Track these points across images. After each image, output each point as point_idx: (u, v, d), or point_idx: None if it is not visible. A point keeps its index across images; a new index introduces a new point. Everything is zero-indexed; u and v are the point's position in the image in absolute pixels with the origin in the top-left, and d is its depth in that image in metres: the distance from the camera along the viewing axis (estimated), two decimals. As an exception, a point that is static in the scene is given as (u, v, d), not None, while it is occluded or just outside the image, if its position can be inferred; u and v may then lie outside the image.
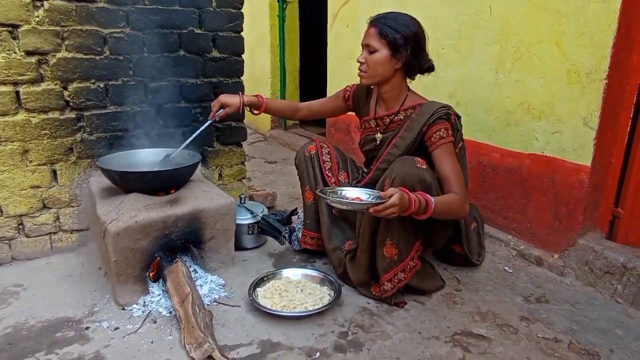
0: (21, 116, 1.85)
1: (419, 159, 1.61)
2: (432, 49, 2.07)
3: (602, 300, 1.74)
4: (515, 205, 2.18)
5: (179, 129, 2.17)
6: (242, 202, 2.21)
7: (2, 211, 1.90)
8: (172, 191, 1.83)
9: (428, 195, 1.50)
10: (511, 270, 1.97)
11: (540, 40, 1.98)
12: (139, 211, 1.68)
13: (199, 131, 1.87)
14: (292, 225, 2.20)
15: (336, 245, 1.90)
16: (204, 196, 1.85)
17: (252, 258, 2.07)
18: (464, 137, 1.86)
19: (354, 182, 1.95)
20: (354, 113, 2.05)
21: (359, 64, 1.74)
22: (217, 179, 2.36)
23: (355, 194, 1.62)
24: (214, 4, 2.16)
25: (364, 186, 1.83)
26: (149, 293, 1.70)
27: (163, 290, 1.70)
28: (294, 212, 2.35)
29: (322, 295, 1.69)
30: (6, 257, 1.95)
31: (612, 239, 1.91)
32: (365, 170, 1.99)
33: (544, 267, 1.98)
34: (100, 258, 1.94)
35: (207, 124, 1.89)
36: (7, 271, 1.90)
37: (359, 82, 1.89)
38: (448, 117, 1.71)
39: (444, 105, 1.72)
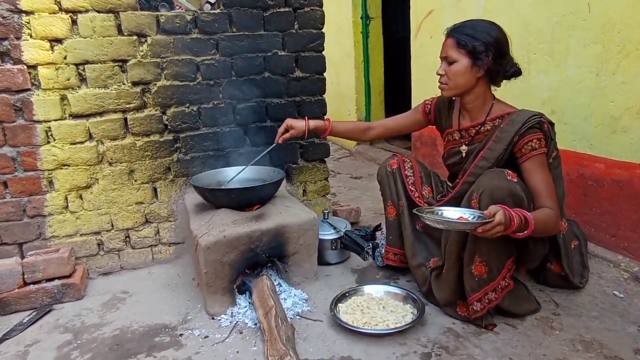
0: (128, 140, 2.07)
1: (509, 171, 1.51)
2: (522, 55, 1.96)
3: None
4: (626, 222, 1.94)
5: (265, 146, 2.26)
6: (326, 217, 2.24)
7: (112, 225, 2.12)
8: (257, 207, 1.91)
9: (526, 211, 1.40)
10: (622, 295, 1.75)
11: (649, 36, 1.78)
12: (227, 226, 1.78)
13: (262, 154, 1.96)
14: (376, 241, 2.17)
15: (420, 261, 1.84)
16: (287, 212, 1.91)
17: (335, 273, 2.08)
18: (561, 147, 1.71)
19: (438, 197, 1.88)
20: (434, 127, 1.98)
21: (439, 76, 1.69)
22: (302, 194, 2.42)
23: (457, 214, 1.54)
24: (296, 26, 2.24)
25: (449, 201, 1.75)
26: (236, 304, 1.77)
27: (249, 303, 1.76)
28: (377, 227, 2.32)
29: (404, 314, 1.64)
30: (116, 267, 2.17)
31: None
32: (450, 184, 1.91)
33: (664, 292, 1.74)
34: (194, 269, 2.07)
35: (271, 147, 1.96)
36: (116, 279, 2.11)
37: (438, 95, 1.84)
38: (541, 125, 1.59)
39: (535, 113, 1.60)
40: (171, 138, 2.14)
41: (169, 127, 2.12)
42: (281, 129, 1.96)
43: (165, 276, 2.12)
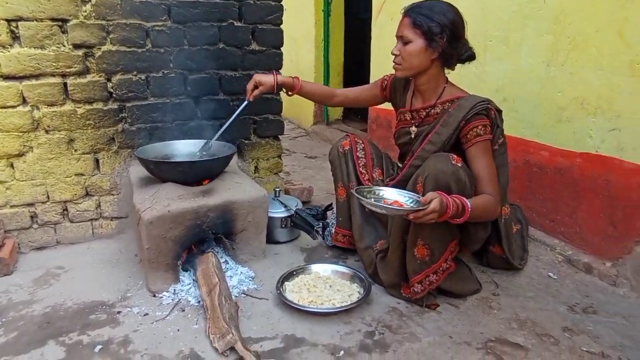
0: (68, 107, 1.93)
1: (454, 155, 1.53)
2: (479, 42, 1.98)
3: (660, 314, 1.58)
4: (565, 208, 2.03)
5: (217, 120, 2.19)
6: (277, 195, 2.20)
7: (48, 197, 1.99)
8: (206, 182, 1.84)
9: (464, 198, 1.43)
10: (556, 277, 1.84)
11: (599, 29, 1.83)
12: (172, 200, 1.71)
13: (236, 113, 1.86)
14: (327, 220, 2.16)
15: (367, 244, 1.85)
16: (237, 188, 1.86)
17: (284, 252, 2.06)
18: (510, 134, 1.75)
19: (387, 180, 1.89)
20: (390, 104, 1.98)
21: (394, 56, 1.67)
22: (253, 171, 2.36)
23: (394, 196, 1.55)
24: (253, -3, 2.16)
25: (397, 183, 1.76)
26: (179, 282, 1.72)
27: (193, 280, 1.72)
28: (329, 207, 2.31)
29: (350, 293, 1.64)
30: (51, 241, 2.05)
31: (674, 248, 1.73)
32: (400, 165, 1.92)
33: (594, 276, 1.83)
34: (137, 245, 1.99)
35: (243, 105, 1.88)
36: (51, 254, 1.99)
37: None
38: (487, 112, 1.61)
39: (483, 99, 1.62)
40: (116, 107, 2.02)
41: (114, 95, 2.00)
42: (250, 86, 1.88)
43: (106, 251, 2.02)
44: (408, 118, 1.81)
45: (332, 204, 2.30)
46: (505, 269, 1.86)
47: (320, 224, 2.04)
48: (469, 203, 1.42)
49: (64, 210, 2.04)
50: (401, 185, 1.69)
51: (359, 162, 1.92)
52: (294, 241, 2.17)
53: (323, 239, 2.07)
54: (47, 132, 1.92)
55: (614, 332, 1.48)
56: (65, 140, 1.96)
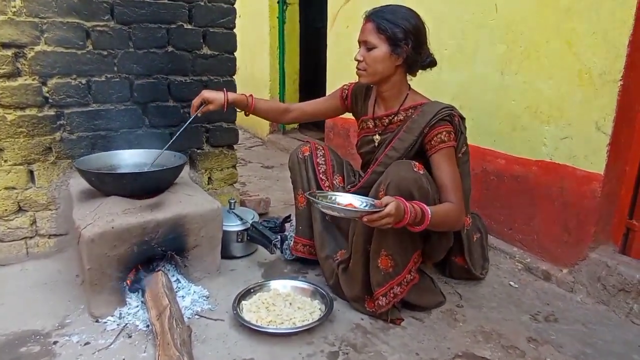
0: (-4, 113, 1.74)
1: (417, 163, 1.49)
2: (435, 49, 1.96)
3: (617, 320, 1.60)
4: (522, 216, 2.05)
5: (166, 129, 2.06)
6: (232, 207, 2.09)
7: (-27, 213, 1.79)
8: (154, 195, 1.71)
9: (425, 205, 1.38)
10: (517, 286, 1.84)
11: (549, 39, 1.86)
12: (116, 216, 1.56)
13: (181, 130, 1.74)
14: (284, 233, 2.08)
15: (328, 253, 1.77)
16: (188, 201, 1.73)
17: (241, 268, 1.95)
18: (468, 142, 1.73)
19: (348, 187, 1.83)
20: (351, 114, 1.93)
21: (357, 62, 1.62)
22: (207, 183, 2.24)
23: (348, 200, 1.50)
24: (205, -2, 2.05)
25: (358, 191, 1.70)
26: (125, 304, 1.57)
27: (141, 302, 1.57)
28: (287, 219, 2.23)
29: (312, 310, 1.56)
30: (-22, 263, 1.84)
31: (627, 253, 1.77)
32: (362, 174, 1.87)
33: (552, 283, 1.85)
34: (78, 265, 1.82)
35: (188, 122, 1.76)
36: (-24, 278, 1.78)
37: (356, 81, 1.78)
38: (451, 118, 1.59)
39: (447, 105, 1.60)
40: (53, 113, 1.84)
41: (50, 100, 1.82)
42: (196, 102, 1.76)
43: (43, 273, 1.83)
44: (371, 126, 1.76)
45: (290, 215, 2.22)
46: (467, 279, 1.84)
47: (279, 237, 1.95)
48: (429, 210, 1.38)
49: (-9, 228, 1.83)
50: (362, 192, 1.63)
51: (319, 168, 1.85)
52: (250, 256, 2.06)
53: (281, 252, 1.97)
54: (-29, 141, 1.73)
55: (575, 340, 1.48)
56: (-7, 150, 1.76)
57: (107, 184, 1.63)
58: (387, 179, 1.47)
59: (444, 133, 1.56)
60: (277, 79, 4.63)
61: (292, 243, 1.96)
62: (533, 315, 1.62)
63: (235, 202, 2.11)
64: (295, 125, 4.83)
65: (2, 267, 1.86)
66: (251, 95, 1.86)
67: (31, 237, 1.91)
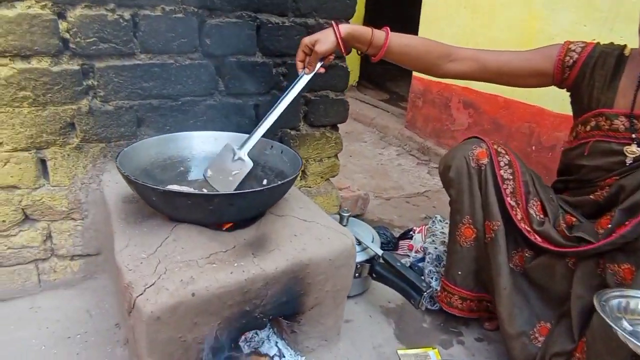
0: (-18, 63, 1.01)
1: None
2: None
3: None
4: None
5: (250, 98, 1.33)
6: (345, 223, 1.39)
7: (-49, 227, 1.11)
8: (251, 223, 1.01)
9: None
10: None
11: None
12: (197, 268, 0.87)
13: (289, 91, 1.08)
14: (414, 262, 1.41)
15: (521, 328, 1.11)
16: (306, 232, 1.04)
17: (360, 319, 1.29)
18: None
19: (558, 225, 1.11)
20: (565, 91, 1.18)
21: None
22: (299, 179, 1.53)
23: None
24: None
25: (597, 247, 0.99)
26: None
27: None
28: (405, 235, 1.56)
29: None
30: (-37, 300, 1.18)
31: None
32: (568, 200, 1.16)
33: None
34: (117, 307, 1.16)
35: (300, 79, 1.10)
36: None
37: (601, 43, 1.04)
38: None
39: None
40: (77, 68, 1.10)
41: (71, 45, 1.08)
42: (300, 55, 1.09)
43: (63, 315, 1.19)
44: (622, 127, 1.03)
45: (410, 230, 1.56)
46: None
47: (430, 283, 1.26)
48: None
49: (-17, 248, 1.16)
50: (608, 251, 0.94)
51: (505, 186, 1.14)
52: (364, 294, 1.40)
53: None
54: (-59, 111, 1.01)
55: None
56: (-21, 126, 1.05)
57: (181, 209, 0.92)
58: None
59: None
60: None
61: (438, 288, 1.29)
62: None
63: (349, 214, 1.39)
64: (353, 82, 4.00)
65: (3, 304, 1.21)
66: (386, 28, 1.11)
67: (44, 259, 1.24)
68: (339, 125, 1.53)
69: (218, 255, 0.91)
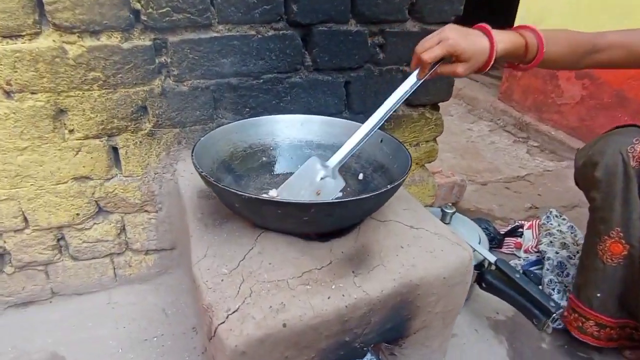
0: (45, 40, 0.90)
1: None
2: None
3: None
4: None
5: (341, 74, 1.13)
6: (448, 220, 1.18)
7: (26, 220, 1.04)
8: (348, 232, 0.84)
9: None
10: None
11: None
12: (288, 291, 0.72)
13: (401, 92, 0.83)
14: (531, 268, 1.17)
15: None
16: (414, 242, 0.85)
17: (464, 333, 1.12)
18: None
19: None
20: None
21: None
22: (391, 165, 1.33)
23: None
24: None
25: None
26: None
27: None
28: (514, 230, 1.32)
29: None
30: (42, 293, 1.13)
31: None
32: None
33: None
34: (194, 305, 1.07)
35: (410, 83, 0.83)
36: (41, 315, 1.10)
37: None
38: None
39: None
40: (149, 43, 0.96)
41: (144, 17, 0.94)
42: (429, 54, 0.78)
43: (140, 313, 1.12)
44: None
45: (519, 227, 1.32)
46: None
47: (559, 304, 1.03)
48: None
49: (58, 241, 1.09)
50: None
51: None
52: (468, 302, 1.20)
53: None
54: (8, 94, 0.92)
55: None
56: (46, 111, 0.95)
57: (269, 218, 0.76)
58: None
59: None
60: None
61: (564, 311, 1.06)
62: None
63: (454, 211, 1.18)
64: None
65: (79, 298, 1.16)
66: (534, 30, 0.84)
67: (119, 254, 1.16)
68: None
69: (312, 274, 0.75)
